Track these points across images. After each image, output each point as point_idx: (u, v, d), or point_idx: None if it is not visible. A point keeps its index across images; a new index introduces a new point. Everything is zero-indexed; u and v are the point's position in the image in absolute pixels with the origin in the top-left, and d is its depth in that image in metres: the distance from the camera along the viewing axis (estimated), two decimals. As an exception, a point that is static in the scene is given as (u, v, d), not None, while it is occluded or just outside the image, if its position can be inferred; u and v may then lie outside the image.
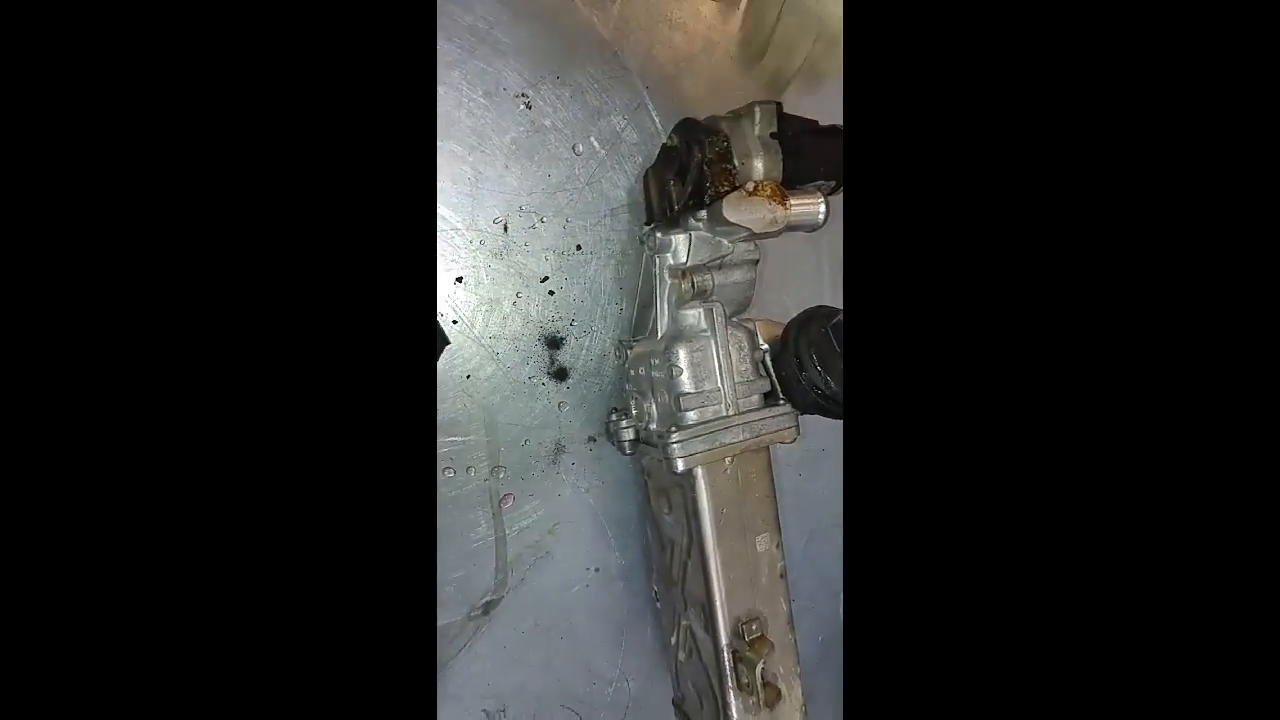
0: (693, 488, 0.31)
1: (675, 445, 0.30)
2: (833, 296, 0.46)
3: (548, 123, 0.38)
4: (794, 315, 0.34)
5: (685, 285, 0.31)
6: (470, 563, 0.38)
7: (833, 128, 0.35)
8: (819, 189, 0.35)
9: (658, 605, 0.39)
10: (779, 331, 0.34)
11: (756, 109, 0.32)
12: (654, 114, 0.40)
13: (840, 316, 0.30)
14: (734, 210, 0.28)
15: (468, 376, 0.37)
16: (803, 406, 0.32)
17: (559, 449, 0.40)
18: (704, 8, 0.40)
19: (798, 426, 0.33)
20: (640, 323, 0.38)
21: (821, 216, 0.30)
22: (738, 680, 0.32)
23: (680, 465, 0.30)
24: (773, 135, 0.32)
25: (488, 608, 0.39)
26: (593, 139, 0.39)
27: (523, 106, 0.37)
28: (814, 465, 0.50)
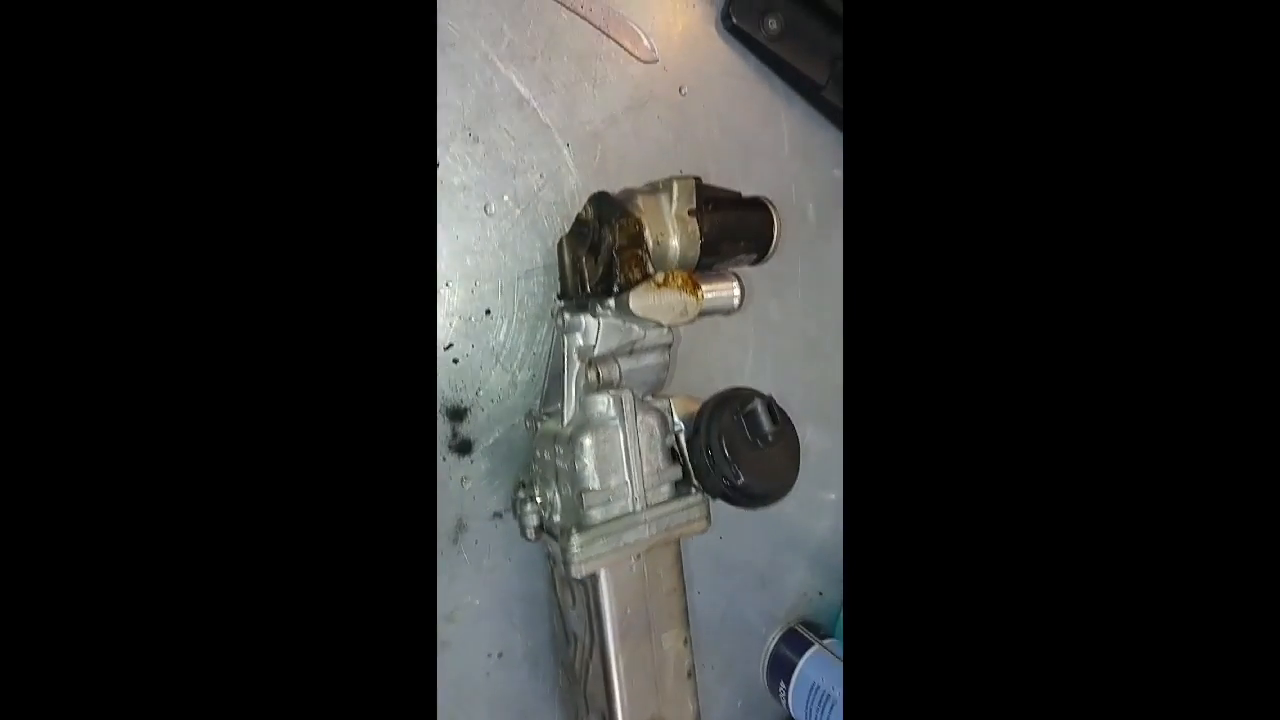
0: (595, 588, 0.29)
1: (575, 550, 0.28)
2: (755, 365, 0.45)
3: (456, 181, 0.35)
4: (708, 396, 0.32)
5: (591, 375, 0.29)
6: (355, 655, 0.35)
7: (755, 199, 0.34)
8: (738, 263, 0.34)
9: (563, 696, 0.37)
10: (695, 408, 0.33)
11: (675, 184, 0.30)
12: (574, 172, 0.38)
13: (756, 403, 0.29)
14: (641, 302, 0.27)
15: (358, 452, 0.34)
16: (714, 492, 0.31)
17: (460, 527, 0.37)
18: (631, 68, 0.39)
19: (709, 516, 0.32)
20: (552, 393, 0.35)
21: (736, 301, 0.29)
22: (639, 792, 0.30)
23: (580, 571, 0.28)
24: (690, 212, 0.31)
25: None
26: (506, 198, 0.36)
27: (429, 162, 0.34)
28: (735, 525, 0.49)
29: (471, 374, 0.36)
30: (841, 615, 0.51)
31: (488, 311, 0.36)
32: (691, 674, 0.32)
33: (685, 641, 0.32)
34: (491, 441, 0.37)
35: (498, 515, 0.38)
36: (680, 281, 0.27)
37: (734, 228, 0.33)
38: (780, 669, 0.47)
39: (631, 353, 0.30)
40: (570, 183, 0.38)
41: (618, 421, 0.30)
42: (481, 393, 0.37)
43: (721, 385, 0.34)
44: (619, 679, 0.30)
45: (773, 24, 0.41)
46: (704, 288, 0.28)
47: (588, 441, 0.29)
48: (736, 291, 0.29)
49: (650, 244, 0.29)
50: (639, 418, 0.30)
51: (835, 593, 0.51)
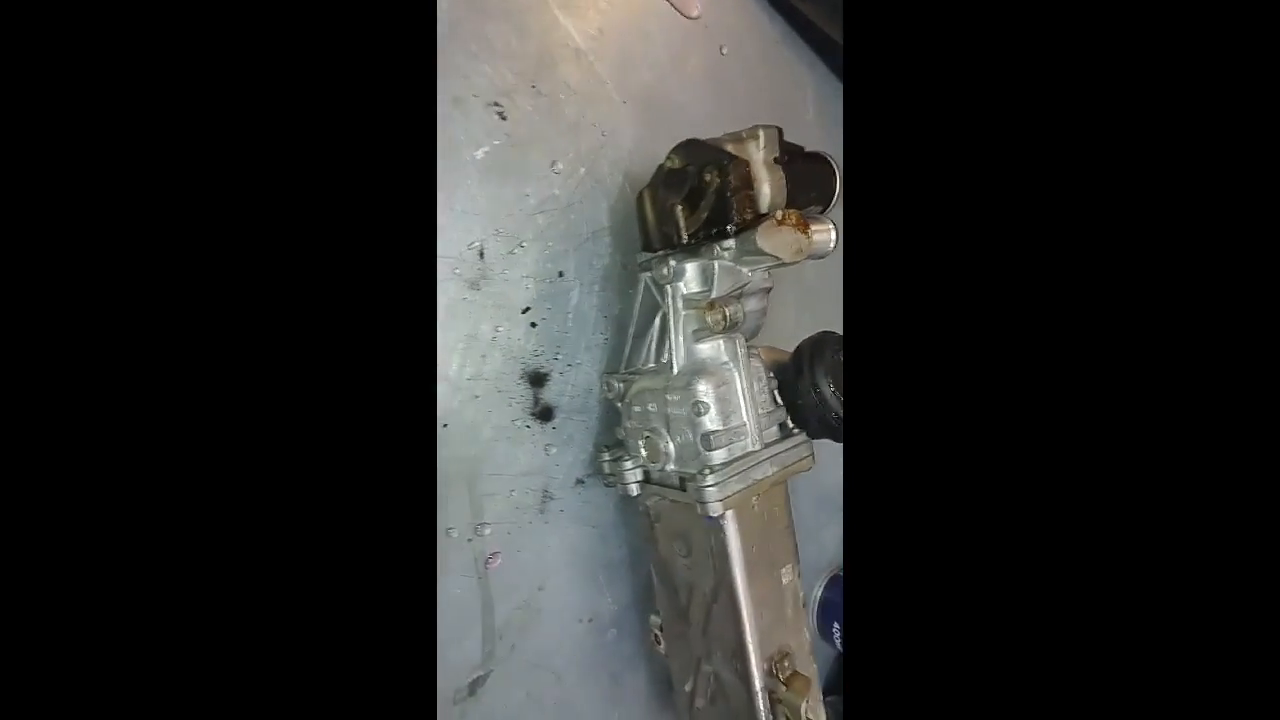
0: (721, 530, 0.30)
1: (711, 488, 0.28)
2: (796, 323, 0.46)
3: (526, 135, 0.34)
4: (800, 342, 0.33)
5: (714, 317, 0.29)
6: (453, 638, 0.33)
7: (818, 154, 0.35)
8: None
9: (659, 650, 0.37)
10: (779, 358, 0.34)
11: (761, 133, 0.31)
12: (631, 129, 0.38)
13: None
14: (768, 240, 0.27)
15: (445, 425, 0.32)
16: (818, 431, 0.32)
17: (547, 496, 0.36)
18: (677, 24, 0.39)
19: (813, 454, 0.33)
20: (634, 352, 0.35)
21: (834, 243, 0.30)
22: (775, 723, 0.31)
23: (717, 509, 0.28)
24: (776, 160, 0.31)
25: (474, 687, 0.34)
26: (571, 155, 0.36)
27: (496, 117, 0.33)
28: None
29: (550, 338, 0.35)
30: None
31: (561, 273, 0.36)
32: (806, 604, 0.33)
33: (798, 575, 0.33)
34: (572, 407, 0.36)
35: (580, 482, 0.37)
36: (795, 220, 0.28)
37: (806, 179, 0.34)
38: (830, 612, 0.49)
39: (740, 296, 0.31)
40: (628, 140, 0.38)
41: (732, 365, 0.30)
42: (560, 356, 0.36)
43: (771, 341, 0.35)
44: (749, 615, 0.30)
45: (801, -15, 0.42)
46: (812, 227, 0.29)
47: (707, 385, 0.29)
48: (834, 234, 0.30)
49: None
50: (750, 361, 0.31)
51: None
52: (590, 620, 0.38)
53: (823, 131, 0.47)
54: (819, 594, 0.50)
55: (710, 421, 0.29)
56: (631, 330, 0.35)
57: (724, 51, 0.41)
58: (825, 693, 0.51)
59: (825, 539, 0.52)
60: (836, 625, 0.48)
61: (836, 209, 0.36)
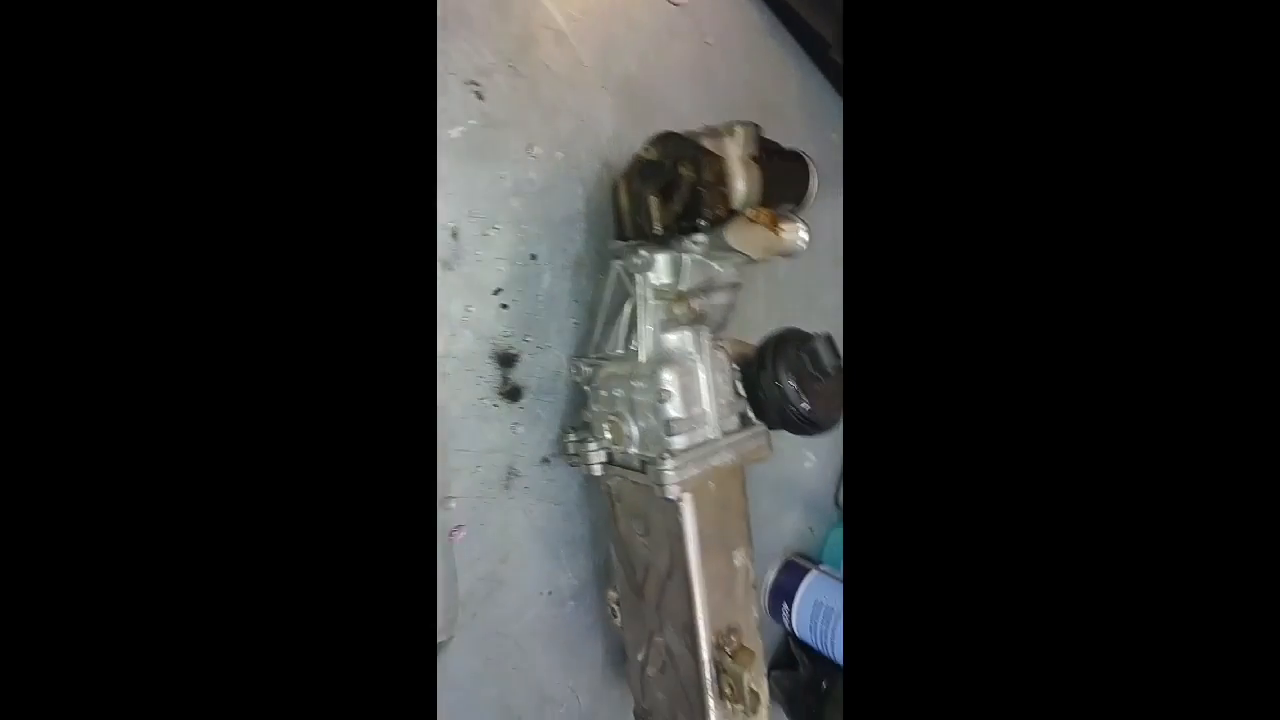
0: (678, 511, 0.31)
1: (670, 472, 0.30)
2: (766, 315, 0.48)
3: (503, 116, 0.34)
4: (764, 336, 0.35)
5: (681, 310, 0.30)
6: (416, 606, 0.34)
7: (795, 152, 0.36)
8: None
9: (615, 622, 0.39)
10: (744, 351, 0.35)
11: (738, 129, 0.32)
12: (611, 116, 0.38)
13: (817, 340, 0.32)
14: (738, 237, 0.28)
15: (414, 400, 0.33)
16: (776, 422, 0.34)
17: (512, 473, 0.37)
18: (662, 11, 0.39)
19: (770, 444, 0.34)
20: (603, 338, 0.36)
21: (803, 243, 0.32)
22: (720, 691, 0.33)
23: (674, 492, 0.30)
24: (753, 157, 0.32)
25: (436, 652, 0.35)
26: (548, 139, 0.36)
27: (474, 96, 0.33)
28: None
29: (520, 319, 0.36)
30: (827, 544, 0.57)
31: (533, 256, 0.36)
32: (756, 586, 0.35)
33: (750, 558, 0.35)
34: (540, 388, 0.37)
35: (545, 461, 0.38)
36: (766, 218, 0.29)
37: (783, 176, 0.35)
38: (782, 594, 0.52)
39: (707, 291, 0.31)
40: (607, 127, 0.38)
41: (696, 356, 0.31)
42: (529, 338, 0.37)
43: (736, 331, 0.37)
44: (700, 593, 0.32)
45: (787, -23, 0.43)
46: (782, 225, 0.30)
47: (671, 375, 0.30)
48: (804, 234, 0.31)
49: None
50: (714, 353, 0.32)
51: (821, 528, 0.57)
52: (550, 593, 0.40)
53: (805, 127, 0.48)
54: (773, 576, 0.53)
55: (673, 409, 0.31)
56: (602, 316, 0.36)
57: (709, 42, 0.41)
58: (772, 667, 0.53)
59: (783, 525, 0.54)
60: (786, 605, 0.51)
61: (837, 206, 0.37)
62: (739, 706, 0.32)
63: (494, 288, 0.35)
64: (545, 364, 0.37)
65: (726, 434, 0.32)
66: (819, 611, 0.49)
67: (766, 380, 0.32)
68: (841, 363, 0.32)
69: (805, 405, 0.32)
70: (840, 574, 0.51)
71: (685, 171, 0.30)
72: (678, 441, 0.31)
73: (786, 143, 0.37)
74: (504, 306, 0.35)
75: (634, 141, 0.34)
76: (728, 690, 0.32)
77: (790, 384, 0.32)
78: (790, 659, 0.53)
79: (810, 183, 0.36)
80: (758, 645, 0.35)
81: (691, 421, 0.31)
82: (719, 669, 0.33)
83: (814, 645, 0.49)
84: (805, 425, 0.33)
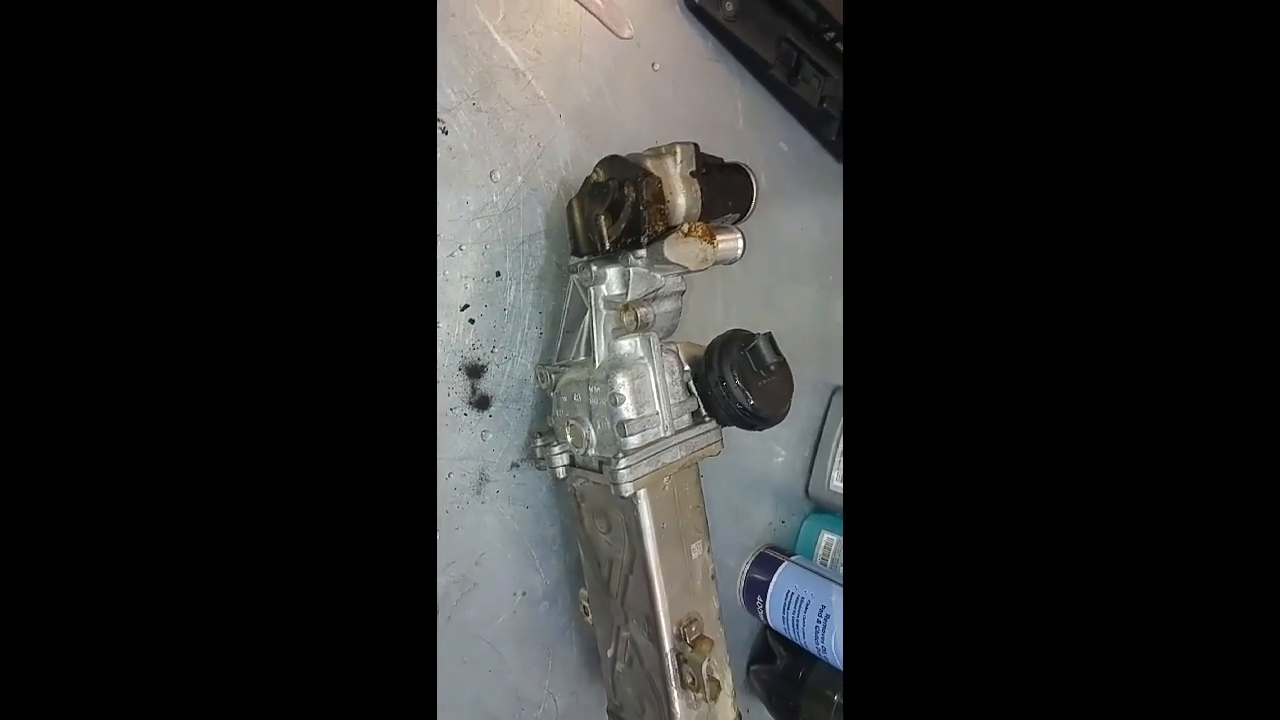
0: (635, 507, 0.33)
1: (623, 470, 0.32)
2: (724, 315, 0.50)
3: (466, 148, 0.37)
4: (712, 338, 0.37)
5: (628, 318, 0.32)
6: (394, 608, 0.36)
7: (736, 165, 0.39)
8: (724, 221, 0.39)
9: (588, 620, 0.40)
10: (696, 353, 0.38)
11: (678, 149, 0.34)
12: (567, 142, 0.41)
13: (759, 339, 0.34)
14: (674, 251, 0.31)
15: (386, 412, 0.35)
16: (726, 419, 0.36)
17: (483, 479, 0.39)
18: (611, 44, 0.42)
19: (721, 440, 0.36)
20: (566, 345, 0.38)
21: (740, 251, 0.34)
22: (682, 680, 0.34)
23: (629, 489, 0.32)
24: (692, 174, 0.35)
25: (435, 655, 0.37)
26: (509, 165, 0.39)
27: (439, 132, 0.36)
28: (712, 471, 0.54)
29: (487, 333, 0.38)
30: (799, 536, 0.59)
31: (498, 273, 0.39)
32: (714, 577, 0.37)
33: (708, 550, 0.36)
34: (507, 396, 0.39)
35: (515, 466, 0.40)
36: (700, 232, 0.31)
37: (723, 189, 0.37)
38: (756, 586, 0.53)
39: (653, 299, 0.34)
40: (564, 152, 0.41)
41: (646, 360, 0.34)
42: (496, 350, 0.39)
43: (698, 332, 0.39)
44: (660, 585, 0.34)
45: (729, 6, 0.46)
46: (718, 237, 0.32)
47: (624, 378, 0.33)
48: (740, 243, 0.34)
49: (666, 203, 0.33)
50: (662, 356, 0.34)
51: (794, 520, 0.59)
52: (524, 593, 0.42)
53: (753, 140, 0.51)
54: (745, 569, 0.54)
55: (626, 410, 0.33)
56: (563, 325, 0.39)
57: (656, 68, 0.44)
58: (751, 662, 0.55)
59: (754, 520, 0.56)
60: (760, 599, 0.52)
61: (793, 209, 0.39)
62: (700, 694, 0.34)
63: (461, 304, 0.37)
64: (512, 373, 0.40)
65: (678, 432, 0.34)
66: (789, 600, 0.50)
67: (714, 380, 0.35)
68: (782, 358, 0.35)
69: (751, 401, 0.34)
70: (811, 564, 0.53)
71: (628, 192, 0.32)
72: (631, 441, 0.33)
73: (740, 155, 0.40)
74: (471, 321, 0.38)
75: (589, 163, 0.37)
76: (689, 679, 0.34)
77: (735, 382, 0.34)
78: (769, 653, 0.54)
79: (752, 192, 0.39)
80: (718, 634, 0.36)
81: (644, 422, 0.33)
82: (680, 659, 0.34)
83: (787, 635, 0.51)
84: (752, 420, 0.35)
